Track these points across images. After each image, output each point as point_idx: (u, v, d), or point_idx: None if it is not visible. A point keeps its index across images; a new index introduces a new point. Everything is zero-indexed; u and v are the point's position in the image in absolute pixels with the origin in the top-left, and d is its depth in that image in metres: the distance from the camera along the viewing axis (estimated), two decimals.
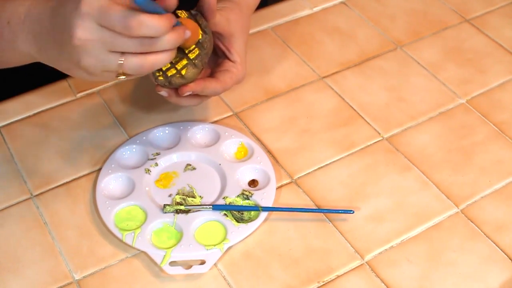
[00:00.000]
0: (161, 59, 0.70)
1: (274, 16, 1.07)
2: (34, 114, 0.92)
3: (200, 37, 0.79)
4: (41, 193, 0.83)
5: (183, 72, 0.78)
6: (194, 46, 0.79)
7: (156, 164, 0.85)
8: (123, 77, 0.70)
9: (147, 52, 0.69)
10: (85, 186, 0.84)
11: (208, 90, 0.81)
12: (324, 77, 0.98)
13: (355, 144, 0.89)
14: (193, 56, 0.79)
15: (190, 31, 0.74)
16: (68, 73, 0.73)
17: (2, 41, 0.73)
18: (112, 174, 0.83)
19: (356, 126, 0.92)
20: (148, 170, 0.84)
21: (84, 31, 0.66)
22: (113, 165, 0.84)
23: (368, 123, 0.92)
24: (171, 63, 0.78)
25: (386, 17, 1.08)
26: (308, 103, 0.94)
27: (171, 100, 0.82)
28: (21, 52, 0.74)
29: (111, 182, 0.83)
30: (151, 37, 0.68)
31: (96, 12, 0.66)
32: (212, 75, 0.84)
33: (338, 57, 1.01)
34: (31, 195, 0.83)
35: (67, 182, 0.84)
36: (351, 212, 0.80)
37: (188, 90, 0.79)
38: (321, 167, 0.87)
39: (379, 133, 0.91)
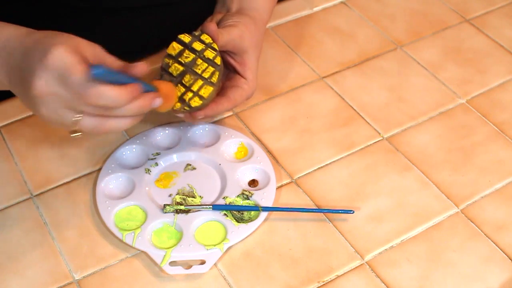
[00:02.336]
0: (120, 125, 0.68)
1: (274, 16, 1.07)
2: (34, 114, 0.92)
3: (212, 55, 0.79)
4: (41, 193, 0.83)
5: (201, 92, 0.79)
6: (207, 64, 0.79)
7: (156, 164, 0.85)
8: (79, 134, 0.68)
9: (105, 116, 0.67)
10: (85, 186, 0.84)
11: (220, 112, 0.82)
12: (324, 77, 0.98)
13: (355, 144, 0.89)
14: (208, 75, 0.79)
15: (163, 97, 0.71)
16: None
17: None
18: (112, 174, 0.83)
19: (356, 126, 0.92)
20: (148, 170, 0.84)
21: (44, 84, 0.65)
22: (113, 165, 0.84)
23: (368, 123, 0.92)
24: (185, 86, 0.79)
25: (386, 17, 1.08)
26: (308, 103, 0.94)
27: (187, 120, 0.82)
28: None
29: (111, 182, 0.83)
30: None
31: (58, 69, 0.64)
32: (222, 90, 0.83)
33: (338, 57, 1.01)
34: (31, 195, 0.83)
35: (67, 182, 0.84)
36: (351, 212, 0.80)
37: (202, 115, 0.80)
38: (321, 167, 0.87)
39: (379, 133, 0.91)
